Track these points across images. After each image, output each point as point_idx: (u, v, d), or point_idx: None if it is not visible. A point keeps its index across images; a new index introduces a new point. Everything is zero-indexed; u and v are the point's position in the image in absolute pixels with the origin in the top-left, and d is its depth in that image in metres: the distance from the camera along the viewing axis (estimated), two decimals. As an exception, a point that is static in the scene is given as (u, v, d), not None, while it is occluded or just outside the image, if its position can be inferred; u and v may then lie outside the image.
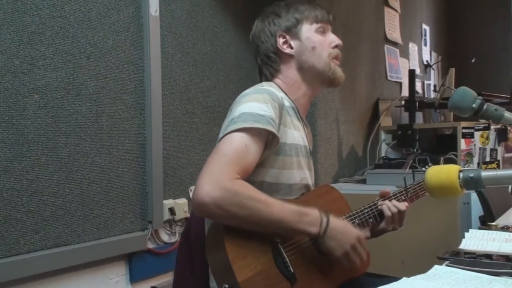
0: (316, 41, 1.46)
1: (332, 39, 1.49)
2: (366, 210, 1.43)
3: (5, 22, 1.52)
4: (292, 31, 1.46)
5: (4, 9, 1.52)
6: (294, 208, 1.24)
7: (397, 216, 1.43)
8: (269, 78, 1.49)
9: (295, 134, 1.40)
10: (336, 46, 1.48)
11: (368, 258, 1.44)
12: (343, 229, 1.28)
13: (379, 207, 1.44)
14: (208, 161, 1.21)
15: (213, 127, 2.31)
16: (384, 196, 1.48)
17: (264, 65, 1.50)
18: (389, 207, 1.43)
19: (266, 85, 1.40)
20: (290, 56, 1.46)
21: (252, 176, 1.27)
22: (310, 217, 1.24)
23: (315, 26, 1.47)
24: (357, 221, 1.40)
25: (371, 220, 1.43)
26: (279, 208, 1.21)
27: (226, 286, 1.15)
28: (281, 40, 1.46)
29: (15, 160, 1.54)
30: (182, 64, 2.16)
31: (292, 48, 1.46)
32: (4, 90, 1.52)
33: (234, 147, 1.22)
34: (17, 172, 1.55)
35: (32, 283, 1.60)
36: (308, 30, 1.46)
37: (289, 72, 1.47)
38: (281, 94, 1.39)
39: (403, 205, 1.44)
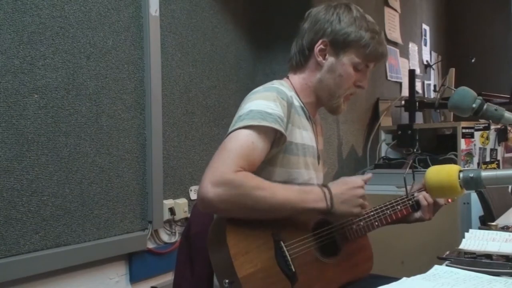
0: (346, 72, 1.40)
1: (362, 79, 1.43)
2: (402, 201, 1.48)
3: (5, 22, 1.52)
4: (336, 46, 1.40)
5: (4, 9, 1.52)
6: (296, 189, 1.26)
7: (433, 207, 1.49)
8: (293, 67, 1.47)
9: (304, 134, 1.40)
10: (360, 87, 1.45)
11: (371, 261, 1.44)
12: (344, 189, 1.31)
13: (416, 197, 1.48)
14: (213, 157, 1.22)
15: (213, 127, 2.31)
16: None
17: (297, 52, 1.46)
18: (426, 197, 1.48)
19: (276, 83, 1.39)
20: (319, 65, 1.42)
21: (261, 174, 1.27)
22: (314, 194, 1.27)
23: (357, 60, 1.40)
24: (399, 207, 1.46)
25: (410, 206, 1.48)
26: (284, 192, 1.23)
27: (227, 281, 1.16)
28: (320, 46, 1.40)
29: (15, 160, 1.54)
30: (182, 64, 2.16)
31: (324, 60, 1.41)
32: (4, 90, 1.52)
33: (240, 143, 1.22)
34: (17, 172, 1.55)
35: (32, 283, 1.60)
36: (348, 59, 1.40)
37: (310, 76, 1.44)
38: (291, 93, 1.38)
39: (441, 200, 1.49)
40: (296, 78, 1.46)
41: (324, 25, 1.41)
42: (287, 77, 1.49)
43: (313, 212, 1.29)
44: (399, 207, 1.46)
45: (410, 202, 1.48)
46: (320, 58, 1.41)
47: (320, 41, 1.41)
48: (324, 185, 1.30)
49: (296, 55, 1.46)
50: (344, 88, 1.43)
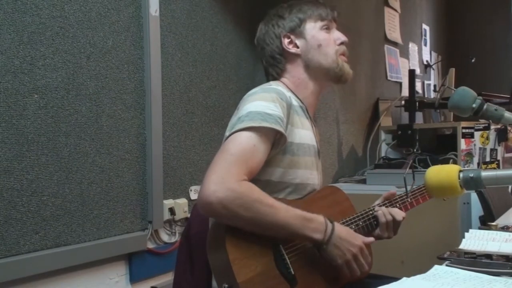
0: (322, 38, 1.46)
1: (337, 36, 1.49)
2: (362, 216, 1.42)
3: (5, 22, 1.52)
4: (296, 30, 1.46)
5: (4, 9, 1.52)
6: (299, 213, 1.23)
7: (392, 224, 1.41)
8: (276, 78, 1.49)
9: (303, 133, 1.39)
10: (342, 43, 1.48)
11: (370, 261, 1.43)
12: (347, 238, 1.27)
13: (375, 213, 1.42)
14: (215, 160, 1.20)
15: (213, 127, 2.31)
16: (389, 199, 1.47)
17: (270, 66, 1.49)
18: (385, 214, 1.41)
19: (274, 84, 1.40)
20: (296, 55, 1.46)
21: (258, 174, 1.27)
22: (315, 224, 1.24)
23: (319, 24, 1.47)
24: (353, 227, 1.38)
25: (367, 226, 1.41)
26: (285, 213, 1.21)
27: (226, 286, 1.15)
28: (286, 41, 1.46)
29: (15, 160, 1.54)
30: (182, 64, 2.16)
31: (298, 47, 1.46)
32: (4, 90, 1.52)
33: (241, 146, 1.21)
34: (17, 172, 1.54)
35: (32, 283, 1.60)
36: (312, 28, 1.46)
37: (296, 71, 1.46)
38: (289, 94, 1.39)
39: (400, 215, 1.42)
40: (286, 80, 1.48)
41: (273, 30, 1.48)
42: (281, 81, 1.49)
43: (305, 240, 1.26)
44: (360, 222, 1.40)
45: (369, 217, 1.42)
46: (293, 49, 1.46)
47: (282, 38, 1.46)
48: (330, 220, 1.27)
49: (272, 68, 1.49)
50: (331, 52, 1.46)
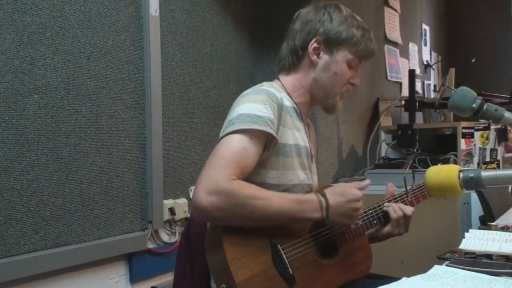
0: (341, 70, 1.42)
1: (354, 75, 1.45)
2: (370, 211, 1.41)
3: (5, 22, 1.52)
4: (330, 44, 1.41)
5: (4, 9, 1.52)
6: (293, 198, 1.25)
7: (403, 220, 1.41)
8: (286, 68, 1.47)
9: (296, 135, 1.39)
10: (353, 84, 1.46)
11: (370, 260, 1.43)
12: (344, 200, 1.27)
13: (384, 208, 1.41)
14: (206, 164, 1.21)
15: (213, 127, 2.31)
16: (392, 193, 1.47)
17: (289, 52, 1.45)
18: (395, 209, 1.40)
19: (266, 85, 1.39)
20: (313, 64, 1.42)
21: (253, 177, 1.27)
22: (311, 204, 1.25)
23: (350, 57, 1.42)
24: (360, 222, 1.38)
25: (375, 221, 1.41)
26: (279, 201, 1.21)
27: (224, 286, 1.15)
28: (314, 45, 1.41)
29: (15, 160, 1.54)
30: (182, 64, 2.16)
31: (319, 58, 1.42)
32: (4, 90, 1.52)
33: (232, 149, 1.21)
34: (17, 172, 1.55)
35: (32, 283, 1.60)
36: (342, 56, 1.41)
37: (304, 76, 1.44)
38: (281, 95, 1.37)
39: (409, 210, 1.41)
40: (289, 79, 1.46)
41: (316, 24, 1.42)
42: (278, 79, 1.48)
43: (307, 221, 1.29)
44: (365, 218, 1.40)
45: (378, 214, 1.41)
46: (314, 57, 1.42)
47: (313, 40, 1.41)
48: (322, 193, 1.27)
49: (289, 56, 1.46)
50: (340, 86, 1.43)
